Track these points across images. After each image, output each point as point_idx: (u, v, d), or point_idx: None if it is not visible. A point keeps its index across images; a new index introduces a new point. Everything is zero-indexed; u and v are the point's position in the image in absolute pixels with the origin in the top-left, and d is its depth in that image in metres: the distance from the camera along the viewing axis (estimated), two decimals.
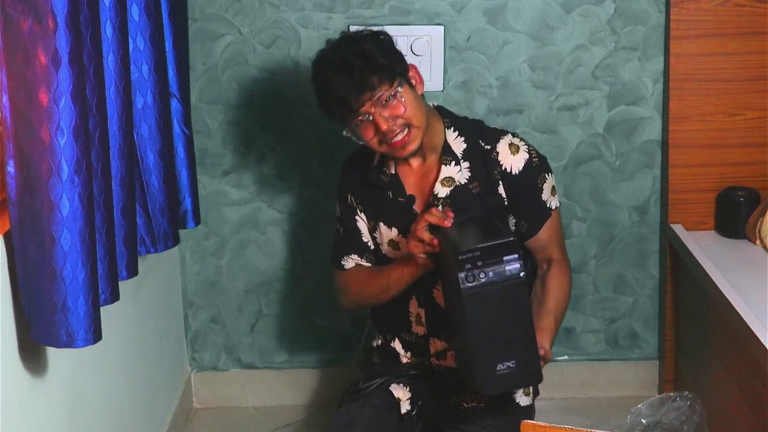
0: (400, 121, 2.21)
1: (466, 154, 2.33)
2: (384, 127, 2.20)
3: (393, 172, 2.37)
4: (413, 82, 2.28)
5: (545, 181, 2.35)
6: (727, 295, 2.47)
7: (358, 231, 2.44)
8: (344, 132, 2.30)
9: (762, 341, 2.24)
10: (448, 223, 2.13)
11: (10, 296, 1.79)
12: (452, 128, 2.35)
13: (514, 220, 2.36)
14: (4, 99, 1.67)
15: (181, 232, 2.50)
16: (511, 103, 3.00)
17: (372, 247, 2.45)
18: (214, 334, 3.18)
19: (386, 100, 2.20)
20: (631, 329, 3.19)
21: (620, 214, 3.10)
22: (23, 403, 1.83)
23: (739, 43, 2.91)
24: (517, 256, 2.00)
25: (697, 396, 2.50)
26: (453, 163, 2.32)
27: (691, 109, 2.95)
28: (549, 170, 2.37)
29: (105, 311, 1.90)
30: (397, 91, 2.21)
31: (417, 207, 2.34)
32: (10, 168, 1.70)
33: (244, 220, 3.09)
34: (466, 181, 2.32)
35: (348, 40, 2.28)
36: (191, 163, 2.49)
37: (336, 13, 2.94)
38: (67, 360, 2.01)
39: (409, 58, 2.90)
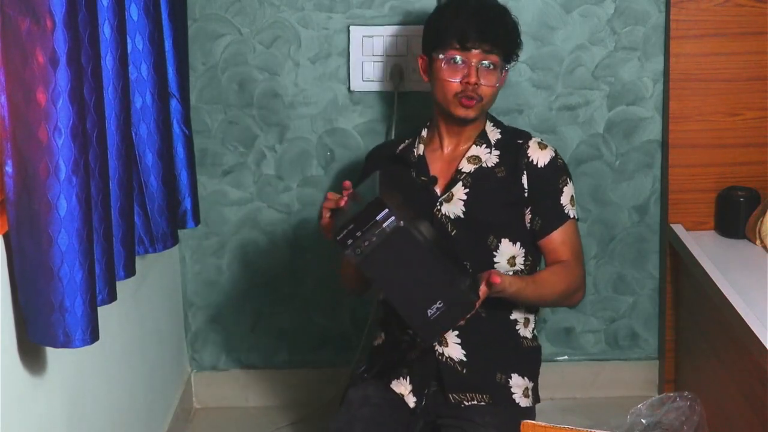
0: (479, 90, 2.34)
1: (499, 144, 2.43)
2: (473, 79, 2.32)
3: (421, 153, 2.46)
4: (505, 75, 2.42)
5: (566, 185, 2.43)
6: (727, 295, 2.47)
7: None
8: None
9: (762, 341, 2.23)
10: (342, 203, 2.17)
11: (10, 296, 1.79)
12: (492, 123, 2.48)
13: (530, 215, 2.41)
14: (2, 99, 1.67)
15: (181, 232, 2.51)
16: (511, 103, 3.00)
17: None
18: (214, 334, 3.18)
19: (489, 66, 2.35)
20: (631, 329, 3.19)
21: (620, 214, 3.10)
22: (23, 403, 1.83)
23: (739, 43, 2.91)
24: (387, 210, 2.02)
25: (697, 396, 2.50)
26: (485, 146, 2.42)
27: (691, 109, 2.95)
28: (570, 176, 2.46)
29: (105, 311, 1.90)
30: (503, 67, 2.38)
31: (439, 188, 2.40)
32: (8, 168, 1.70)
33: (244, 220, 3.09)
34: (494, 165, 2.40)
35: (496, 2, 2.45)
36: (191, 163, 2.49)
37: (336, 13, 2.94)
38: (67, 360, 2.01)
39: (409, 58, 2.92)
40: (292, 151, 3.04)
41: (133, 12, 2.14)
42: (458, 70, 2.34)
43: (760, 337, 2.25)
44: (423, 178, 2.42)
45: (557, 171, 2.43)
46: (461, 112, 2.36)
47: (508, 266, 2.39)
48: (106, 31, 1.94)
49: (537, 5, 2.94)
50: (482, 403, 2.34)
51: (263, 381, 3.19)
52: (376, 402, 2.37)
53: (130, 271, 2.09)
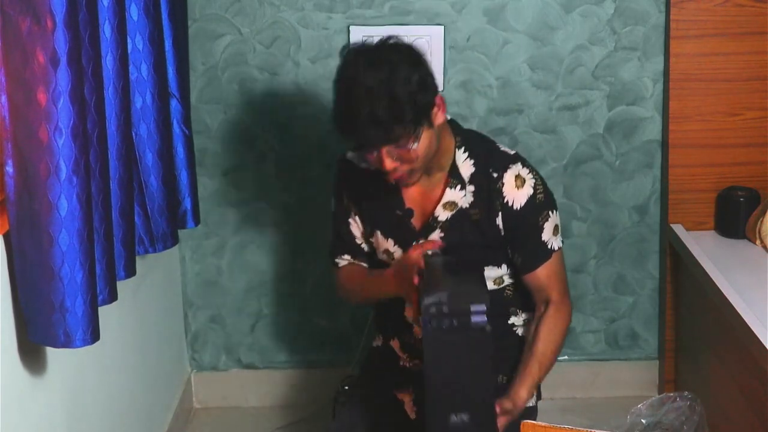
0: (406, 166, 2.10)
1: (473, 178, 2.22)
2: (389, 167, 2.09)
3: (393, 182, 2.21)
4: (435, 118, 2.10)
5: (547, 220, 2.24)
6: (727, 295, 2.47)
7: (351, 234, 2.37)
8: (348, 153, 2.31)
9: (762, 341, 2.24)
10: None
11: (10, 296, 1.79)
12: (463, 148, 2.23)
13: (510, 252, 2.27)
14: (3, 99, 1.67)
15: (181, 232, 2.51)
16: (511, 103, 3.00)
17: (367, 250, 2.39)
18: (214, 334, 3.18)
19: (402, 146, 2.07)
20: (631, 329, 3.19)
21: (620, 214, 3.10)
22: (23, 403, 1.83)
23: (739, 43, 2.91)
24: (484, 307, 1.93)
25: (697, 396, 2.49)
26: (458, 187, 2.21)
27: (691, 109, 2.95)
28: (553, 207, 2.27)
29: (105, 311, 1.90)
30: (416, 141, 2.07)
31: (415, 221, 2.26)
32: (9, 168, 1.70)
33: (244, 220, 3.09)
34: (468, 206, 2.22)
35: (379, 64, 2.04)
36: (191, 163, 2.49)
37: (336, 13, 2.94)
38: (67, 360, 2.01)
39: None
40: (292, 151, 3.04)
41: (133, 12, 2.14)
42: (372, 157, 2.10)
43: (760, 337, 2.25)
44: (398, 211, 2.27)
45: (536, 209, 2.23)
46: (400, 185, 2.19)
47: (495, 286, 2.30)
48: (106, 31, 1.94)
49: (537, 5, 2.94)
50: None
51: (263, 381, 3.19)
52: (379, 402, 2.36)
53: (130, 271, 2.09)
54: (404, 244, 2.26)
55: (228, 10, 2.93)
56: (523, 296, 2.33)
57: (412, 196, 2.26)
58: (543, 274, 2.26)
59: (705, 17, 2.90)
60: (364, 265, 2.41)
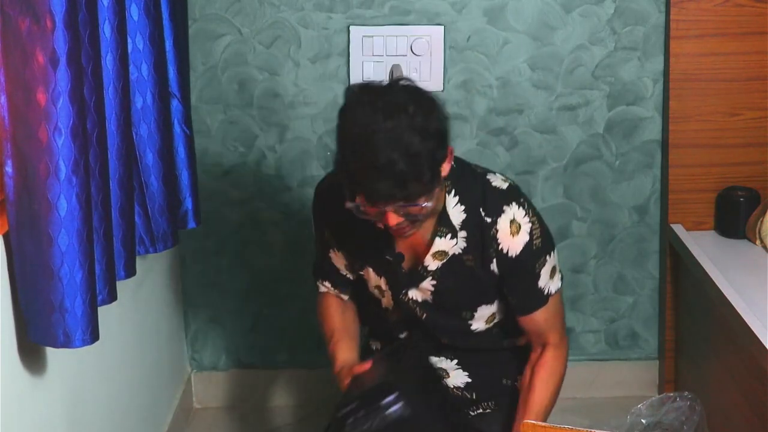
0: (408, 220, 1.94)
1: (465, 224, 2.07)
2: (393, 223, 1.92)
3: (382, 227, 2.01)
4: (443, 172, 1.94)
5: (544, 265, 2.12)
6: (727, 295, 2.47)
7: (333, 266, 2.25)
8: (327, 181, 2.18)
9: (762, 341, 2.24)
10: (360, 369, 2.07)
11: (10, 296, 1.79)
12: (453, 192, 2.06)
13: (506, 292, 2.16)
14: (2, 99, 1.67)
15: (181, 232, 2.50)
16: (511, 103, 3.00)
17: (352, 278, 2.25)
18: (214, 334, 3.18)
19: (411, 203, 1.90)
20: (631, 329, 3.19)
21: (620, 214, 3.10)
22: (23, 403, 1.83)
23: (739, 43, 2.91)
24: (395, 395, 1.90)
25: (697, 396, 2.49)
26: (449, 235, 2.07)
27: (691, 109, 2.95)
28: (551, 249, 2.13)
29: (105, 311, 1.90)
30: (429, 200, 1.92)
31: (405, 265, 2.13)
32: (8, 168, 1.70)
33: (244, 220, 3.09)
34: (461, 252, 2.09)
35: (395, 111, 1.86)
36: (192, 163, 2.49)
37: (336, 13, 2.93)
38: (67, 360, 2.01)
39: (409, 58, 2.92)
40: (292, 151, 3.04)
41: (134, 12, 2.14)
42: (371, 211, 1.92)
43: (760, 337, 2.25)
44: (388, 257, 2.12)
45: (533, 256, 2.09)
46: (396, 237, 2.03)
47: (486, 325, 2.20)
48: (106, 31, 1.94)
49: (537, 5, 2.94)
50: (488, 411, 2.30)
51: (263, 381, 3.19)
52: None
53: (130, 271, 2.09)
54: (395, 287, 2.16)
55: (228, 10, 2.93)
56: (513, 329, 2.23)
57: (402, 239, 2.09)
58: (540, 318, 2.16)
59: (705, 17, 2.90)
60: (344, 297, 2.30)
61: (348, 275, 2.26)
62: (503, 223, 2.06)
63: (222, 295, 3.15)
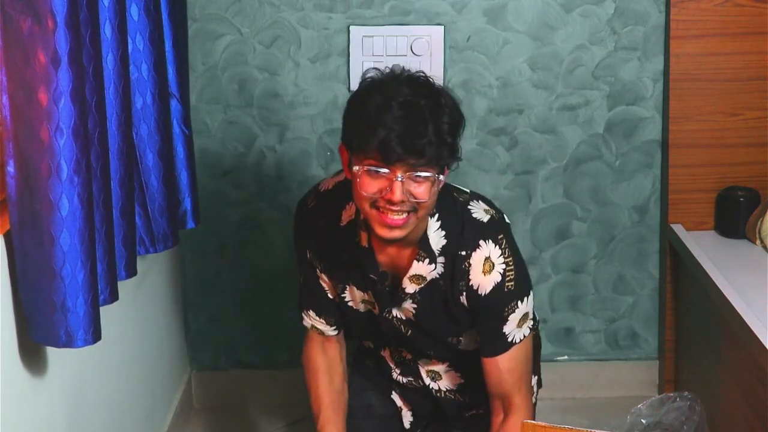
0: (411, 202, 1.89)
1: (444, 251, 2.04)
2: (397, 197, 1.86)
3: (367, 245, 2.06)
4: (447, 172, 1.96)
5: (514, 311, 2.06)
6: (727, 295, 2.47)
7: (320, 288, 2.21)
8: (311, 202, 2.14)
9: (762, 341, 2.24)
10: None
11: (11, 296, 1.79)
12: (436, 216, 2.03)
13: (475, 330, 2.13)
14: (4, 99, 1.67)
15: (181, 232, 2.50)
16: (511, 103, 3.00)
17: (337, 302, 2.22)
18: (214, 334, 3.18)
19: (419, 177, 1.88)
20: (631, 329, 3.19)
21: (620, 214, 3.10)
22: (23, 403, 1.83)
23: (739, 43, 2.91)
24: None
25: (697, 396, 2.50)
26: (427, 261, 2.04)
27: (691, 109, 2.95)
28: (524, 295, 2.07)
29: (105, 311, 1.90)
30: (436, 179, 1.90)
31: (387, 284, 2.11)
32: (10, 168, 1.70)
33: (244, 220, 3.09)
34: (438, 277, 2.06)
35: (429, 90, 1.91)
36: (191, 163, 2.49)
37: (336, 13, 2.94)
38: (67, 360, 2.01)
39: (409, 58, 2.91)
40: (292, 151, 3.04)
41: (134, 12, 2.14)
42: (378, 181, 1.89)
43: (760, 337, 2.25)
44: (372, 276, 2.09)
45: (502, 299, 2.04)
46: (383, 232, 1.92)
47: (474, 343, 2.16)
48: (107, 31, 1.94)
49: (537, 5, 2.94)
50: (481, 411, 2.29)
51: (263, 381, 3.19)
52: (380, 413, 2.35)
53: (131, 271, 2.09)
54: (381, 303, 2.15)
55: (228, 10, 2.93)
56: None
57: (385, 257, 2.08)
58: (503, 365, 2.09)
59: (705, 17, 2.90)
60: (332, 332, 2.26)
61: (335, 299, 2.22)
62: (476, 259, 2.03)
63: (222, 295, 3.15)
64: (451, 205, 2.06)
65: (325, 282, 2.21)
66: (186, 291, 3.14)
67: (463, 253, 2.03)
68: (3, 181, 1.77)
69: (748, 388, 2.44)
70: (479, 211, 2.07)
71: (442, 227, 2.03)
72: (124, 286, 2.11)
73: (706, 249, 2.80)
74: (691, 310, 2.96)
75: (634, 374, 3.19)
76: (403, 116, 1.83)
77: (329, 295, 2.22)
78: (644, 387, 3.17)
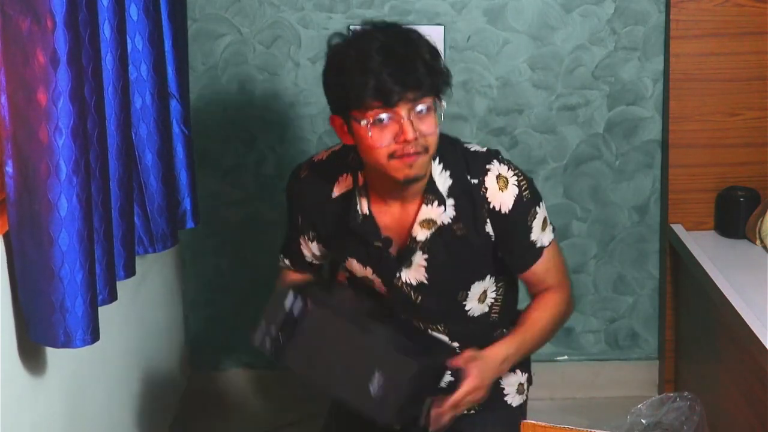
0: (422, 141, 1.91)
1: (452, 191, 2.05)
2: (410, 135, 1.88)
3: (367, 212, 2.06)
4: (443, 103, 2.00)
5: (535, 217, 2.10)
6: (727, 295, 2.47)
7: (300, 252, 2.25)
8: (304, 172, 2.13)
9: (762, 341, 2.24)
10: None
11: (10, 296, 1.79)
12: (437, 159, 2.05)
13: (501, 253, 2.14)
14: (3, 99, 1.67)
15: (181, 232, 2.51)
16: (511, 103, 3.00)
17: (314, 264, 2.26)
18: (214, 334, 3.18)
19: (422, 112, 1.91)
20: (631, 329, 3.19)
21: (620, 214, 3.10)
22: (23, 403, 1.83)
23: (739, 43, 2.91)
24: (291, 293, 1.91)
25: (697, 396, 2.49)
26: (436, 203, 2.04)
27: (691, 109, 2.95)
28: (539, 201, 2.11)
29: (104, 311, 1.90)
30: (438, 107, 1.94)
31: (393, 250, 2.10)
32: (9, 168, 1.70)
33: (244, 220, 3.09)
34: (450, 221, 2.06)
35: (398, 31, 1.96)
36: (190, 164, 2.49)
37: (336, 13, 2.94)
38: (67, 360, 2.01)
39: None
40: (292, 151, 3.04)
41: (133, 12, 2.14)
42: (387, 129, 1.90)
43: (760, 337, 2.25)
44: (377, 243, 2.08)
45: (524, 210, 2.07)
46: (405, 172, 1.94)
47: (479, 303, 2.17)
48: (106, 31, 1.94)
49: (537, 5, 2.94)
50: (472, 411, 2.22)
51: (263, 381, 3.19)
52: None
53: (130, 271, 2.09)
54: (384, 276, 2.13)
55: (228, 10, 2.93)
56: (509, 313, 2.23)
57: (387, 222, 2.08)
58: (539, 271, 2.16)
59: (705, 17, 2.90)
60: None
61: (313, 262, 2.26)
62: (490, 181, 2.06)
63: (222, 295, 3.15)
64: (449, 147, 2.09)
65: (309, 251, 2.23)
66: (186, 291, 3.14)
67: (475, 181, 2.06)
68: (2, 181, 1.77)
69: (748, 388, 2.44)
70: (475, 146, 2.12)
71: (445, 168, 2.06)
72: (123, 286, 2.11)
73: (706, 249, 2.80)
74: (691, 310, 2.96)
75: (634, 374, 3.19)
76: (386, 59, 1.87)
77: (308, 260, 2.25)
78: (644, 387, 3.17)
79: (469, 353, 2.03)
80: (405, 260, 2.10)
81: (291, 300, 1.90)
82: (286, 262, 2.31)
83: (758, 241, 2.83)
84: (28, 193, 1.69)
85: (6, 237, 1.77)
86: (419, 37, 1.95)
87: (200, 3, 2.92)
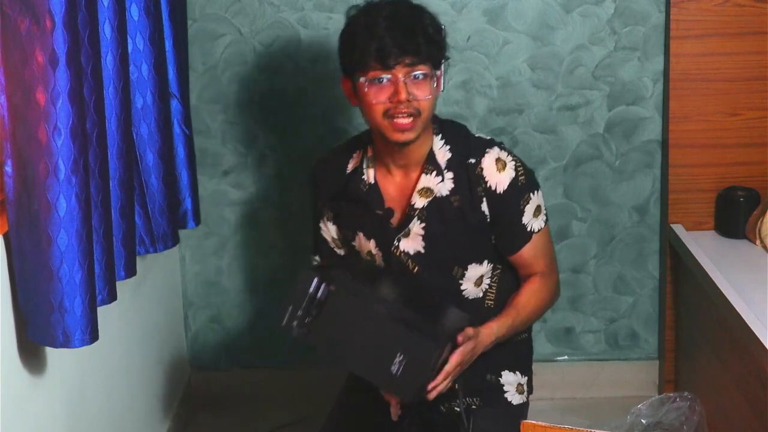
0: (414, 104, 2.08)
1: (451, 164, 2.19)
2: (403, 96, 2.06)
3: (372, 181, 2.23)
4: (440, 83, 2.16)
5: (528, 202, 2.21)
6: (727, 295, 2.47)
7: (323, 238, 2.36)
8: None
9: (762, 341, 2.23)
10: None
11: (10, 296, 1.79)
12: (440, 135, 2.21)
13: (494, 236, 2.25)
14: (2, 99, 1.67)
15: (181, 232, 2.51)
16: (511, 103, 3.00)
17: (343, 253, 2.36)
18: (214, 334, 3.18)
19: (417, 77, 2.08)
20: (631, 329, 3.19)
21: (620, 214, 3.10)
22: (23, 403, 1.83)
23: (739, 43, 2.91)
24: (315, 279, 1.98)
25: (697, 396, 2.50)
26: (434, 173, 2.18)
27: (691, 109, 2.95)
28: (535, 188, 2.24)
29: (104, 311, 1.90)
30: (434, 75, 2.11)
31: (394, 221, 2.22)
32: (8, 168, 1.70)
33: (244, 220, 3.09)
34: (448, 193, 2.19)
35: (406, 4, 2.16)
36: (191, 163, 2.49)
37: (336, 13, 2.94)
38: (67, 360, 2.01)
39: None
40: (292, 151, 3.04)
41: (134, 12, 2.14)
42: (384, 89, 2.08)
43: (760, 337, 2.25)
44: (378, 211, 2.22)
45: (518, 193, 2.20)
46: (398, 136, 2.11)
47: (474, 287, 2.25)
48: (106, 30, 1.94)
49: (537, 5, 2.94)
50: (473, 407, 2.28)
51: (263, 381, 3.19)
52: (365, 412, 2.35)
53: (131, 272, 2.09)
54: (384, 246, 2.23)
55: (228, 10, 2.94)
56: (504, 304, 2.26)
57: (391, 194, 2.23)
58: (526, 254, 2.25)
59: (705, 17, 2.90)
60: None
61: (337, 250, 2.36)
62: (488, 162, 2.19)
63: (222, 295, 3.15)
64: (454, 128, 2.27)
65: (329, 234, 2.34)
66: (186, 291, 3.14)
67: (473, 160, 2.19)
68: (1, 181, 1.77)
69: (748, 388, 2.44)
70: (480, 135, 2.29)
71: (446, 143, 2.21)
72: (123, 286, 2.11)
73: (706, 249, 2.80)
74: (691, 310, 2.95)
75: (634, 374, 3.19)
76: (391, 26, 2.07)
77: (331, 245, 2.36)
78: (644, 387, 3.17)
79: (470, 331, 2.10)
80: (403, 228, 2.21)
81: (316, 284, 1.99)
82: (317, 259, 2.41)
83: (758, 241, 2.83)
84: (27, 193, 1.69)
85: (5, 237, 1.77)
86: (424, 10, 2.16)
87: (200, 3, 2.92)
